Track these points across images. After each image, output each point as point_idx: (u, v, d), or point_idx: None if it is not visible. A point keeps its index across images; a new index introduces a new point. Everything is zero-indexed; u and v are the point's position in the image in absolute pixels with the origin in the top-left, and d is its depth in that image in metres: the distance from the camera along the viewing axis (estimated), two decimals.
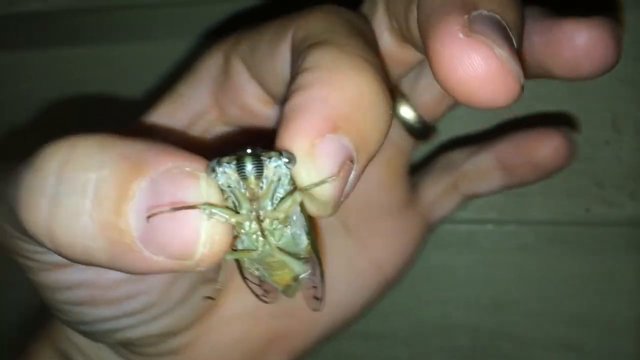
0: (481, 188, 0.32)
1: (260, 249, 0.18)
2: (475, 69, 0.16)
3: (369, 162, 0.18)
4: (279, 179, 0.17)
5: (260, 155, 0.16)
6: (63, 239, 0.16)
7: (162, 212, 0.15)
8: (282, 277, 0.19)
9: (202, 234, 0.16)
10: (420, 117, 0.29)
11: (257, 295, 0.23)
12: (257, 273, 0.20)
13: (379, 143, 0.18)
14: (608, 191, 0.36)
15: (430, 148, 0.37)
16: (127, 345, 0.25)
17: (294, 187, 0.17)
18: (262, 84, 0.24)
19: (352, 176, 0.17)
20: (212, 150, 0.18)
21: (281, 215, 0.17)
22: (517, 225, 0.36)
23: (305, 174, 0.16)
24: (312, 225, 0.19)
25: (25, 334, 0.29)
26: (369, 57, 0.18)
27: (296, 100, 0.17)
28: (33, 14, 0.38)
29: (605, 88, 0.35)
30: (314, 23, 0.20)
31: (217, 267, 0.18)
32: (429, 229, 0.32)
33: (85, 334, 0.25)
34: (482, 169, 0.31)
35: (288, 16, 0.22)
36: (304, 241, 0.19)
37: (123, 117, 0.26)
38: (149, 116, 0.26)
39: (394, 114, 0.19)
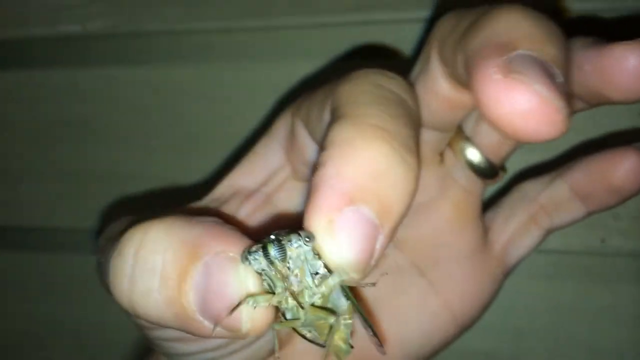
0: (563, 220, 0.31)
1: (302, 318, 0.19)
2: (516, 106, 0.17)
3: (398, 226, 0.18)
4: (305, 258, 0.18)
5: (281, 240, 0.18)
6: (141, 311, 0.19)
7: (227, 315, 0.18)
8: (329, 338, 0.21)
9: (243, 317, 0.18)
10: (486, 158, 0.29)
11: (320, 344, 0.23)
12: (309, 335, 0.21)
13: (404, 206, 0.18)
14: (624, 223, 0.37)
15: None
16: None
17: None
18: (318, 145, 0.25)
19: (379, 243, 0.18)
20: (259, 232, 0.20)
21: (322, 291, 0.19)
22: (535, 254, 0.37)
23: (327, 251, 0.18)
24: (349, 287, 0.20)
25: None
26: (387, 124, 0.19)
27: (313, 179, 0.18)
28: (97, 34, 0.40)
29: (627, 121, 0.36)
30: (341, 92, 0.21)
31: (274, 334, 0.21)
32: (506, 271, 0.32)
33: None
34: (560, 200, 0.30)
35: (337, 79, 0.23)
36: (343, 304, 0.20)
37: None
38: (230, 174, 0.28)
39: (418, 173, 0.19)
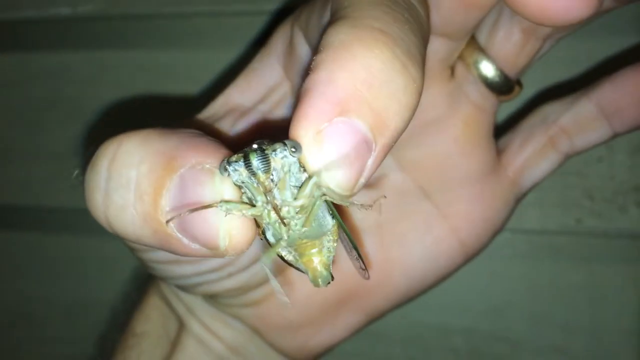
0: (586, 141, 0.28)
1: (285, 236, 0.18)
2: None
3: (393, 143, 0.17)
4: (289, 169, 0.17)
5: (265, 149, 0.16)
6: (117, 227, 0.18)
7: (184, 212, 0.17)
8: (310, 260, 0.19)
9: (220, 230, 0.17)
10: (501, 71, 0.27)
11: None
12: (289, 258, 0.20)
13: (402, 121, 0.16)
14: (598, 204, 0.38)
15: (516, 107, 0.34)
16: (211, 297, 0.28)
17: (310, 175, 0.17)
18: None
19: (370, 160, 0.16)
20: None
21: (299, 204, 0.17)
22: (512, 234, 0.38)
23: (312, 162, 0.16)
24: (336, 207, 0.19)
25: None
26: (390, 28, 0.17)
27: (304, 85, 0.16)
28: (88, 16, 0.40)
29: None
30: None
31: (272, 272, 0.19)
32: (518, 196, 0.30)
33: (176, 286, 0.27)
34: (585, 120, 0.28)
35: None
36: (329, 222, 0.19)
37: (176, 117, 0.27)
38: (226, 91, 0.27)
39: (420, 86, 0.17)
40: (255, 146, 0.17)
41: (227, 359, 0.29)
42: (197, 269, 0.25)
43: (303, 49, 0.24)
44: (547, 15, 0.17)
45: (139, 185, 0.17)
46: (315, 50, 0.17)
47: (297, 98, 0.16)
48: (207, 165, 0.17)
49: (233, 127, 0.26)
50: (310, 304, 0.28)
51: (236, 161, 0.17)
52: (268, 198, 0.17)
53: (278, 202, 0.17)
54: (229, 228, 0.17)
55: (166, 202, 0.17)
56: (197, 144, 0.17)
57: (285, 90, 0.27)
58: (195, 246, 0.17)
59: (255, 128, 0.26)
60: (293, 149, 0.16)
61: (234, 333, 0.29)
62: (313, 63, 0.16)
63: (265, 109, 0.27)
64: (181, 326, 0.29)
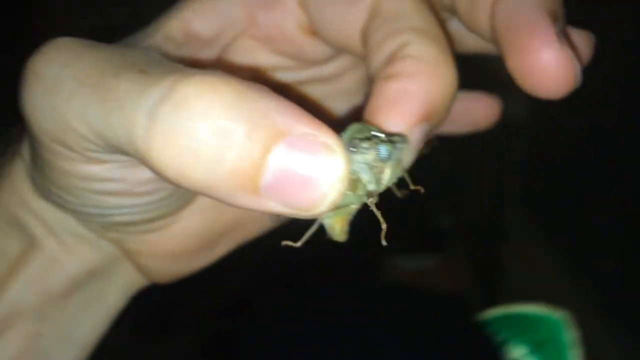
0: None
1: (356, 206, 0.20)
2: (565, 73, 0.20)
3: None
4: (398, 159, 0.20)
5: (394, 142, 0.19)
6: (193, 176, 0.17)
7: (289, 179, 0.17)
8: (343, 219, 0.21)
9: (327, 200, 0.17)
10: None
11: None
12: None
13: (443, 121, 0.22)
14: None
15: None
16: (113, 225, 0.26)
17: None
18: (317, 22, 0.24)
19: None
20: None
21: (388, 184, 0.20)
22: None
23: (411, 156, 0.21)
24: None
25: None
26: (448, 47, 0.22)
27: (404, 85, 0.21)
28: None
29: None
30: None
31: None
32: None
33: (80, 213, 0.25)
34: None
35: None
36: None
37: None
38: (180, 12, 0.25)
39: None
40: (383, 136, 0.19)
41: (80, 280, 0.28)
42: (135, 202, 0.24)
43: (291, 1, 0.25)
44: (539, 90, 0.21)
45: (244, 144, 0.17)
46: (389, 50, 0.22)
47: (390, 91, 0.21)
48: (322, 139, 0.17)
49: (196, 56, 0.26)
50: (195, 235, 0.28)
51: (366, 148, 0.19)
52: (376, 184, 0.19)
53: (380, 187, 0.20)
54: (334, 200, 0.17)
55: (268, 165, 0.17)
56: (304, 115, 0.18)
57: (239, 29, 0.26)
58: (273, 204, 0.17)
59: (217, 64, 0.27)
60: (404, 144, 0.20)
61: (98, 255, 0.28)
62: (408, 67, 0.21)
63: (223, 43, 0.26)
64: (29, 247, 0.27)
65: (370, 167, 0.19)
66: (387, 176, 0.19)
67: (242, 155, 0.17)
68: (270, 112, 0.17)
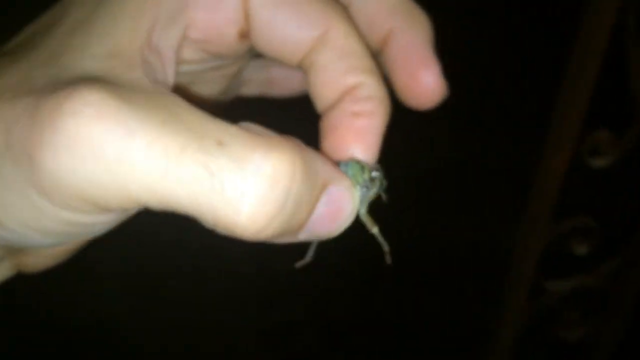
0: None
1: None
2: (439, 89, 0.26)
3: None
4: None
5: (382, 177, 0.25)
6: (265, 233, 0.20)
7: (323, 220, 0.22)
8: None
9: (348, 222, 0.23)
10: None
11: None
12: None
13: None
14: None
15: None
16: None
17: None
18: (261, 33, 0.25)
19: None
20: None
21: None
22: None
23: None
24: None
25: None
26: None
27: (370, 122, 0.25)
28: None
29: None
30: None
31: None
32: None
33: None
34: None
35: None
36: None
37: None
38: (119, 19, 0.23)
39: None
40: (377, 174, 0.24)
41: None
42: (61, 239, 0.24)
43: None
44: (424, 101, 0.26)
45: (302, 200, 0.21)
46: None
47: (366, 133, 0.25)
48: (347, 184, 0.23)
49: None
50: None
51: (368, 188, 0.24)
52: (368, 202, 0.25)
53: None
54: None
55: (312, 213, 0.22)
56: (334, 168, 0.23)
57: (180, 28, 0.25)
58: (302, 236, 0.22)
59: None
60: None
61: None
62: (368, 107, 0.25)
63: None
64: None
65: (368, 195, 0.25)
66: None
67: (300, 208, 0.21)
68: (319, 170, 0.22)
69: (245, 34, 0.25)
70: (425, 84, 0.26)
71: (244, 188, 0.19)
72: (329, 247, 0.27)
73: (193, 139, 0.19)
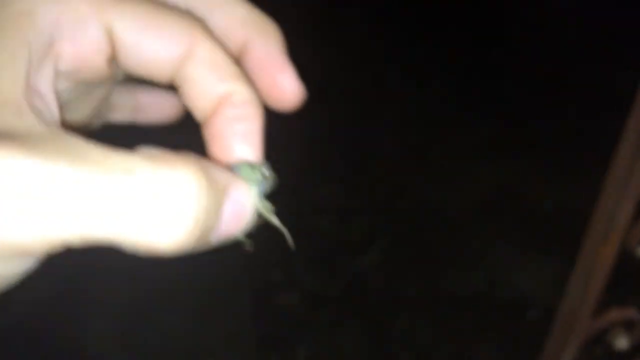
0: None
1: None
2: (297, 90, 0.28)
3: None
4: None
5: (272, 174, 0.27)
6: (181, 245, 0.21)
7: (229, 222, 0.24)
8: None
9: (249, 220, 0.25)
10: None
11: None
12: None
13: None
14: None
15: None
16: None
17: None
18: (127, 55, 0.26)
19: None
20: None
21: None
22: None
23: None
24: None
25: None
26: None
27: (251, 126, 0.27)
28: None
29: None
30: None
31: None
32: None
33: None
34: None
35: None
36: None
37: None
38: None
39: None
40: (268, 174, 0.26)
41: None
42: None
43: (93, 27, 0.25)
44: (284, 103, 0.28)
45: (210, 208, 0.22)
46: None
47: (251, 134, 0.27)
48: (245, 187, 0.25)
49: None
50: None
51: (262, 184, 0.26)
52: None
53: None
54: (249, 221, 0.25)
55: (221, 216, 0.23)
56: (229, 173, 0.24)
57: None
58: (215, 240, 0.23)
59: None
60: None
61: None
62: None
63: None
64: None
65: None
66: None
67: (216, 217, 0.22)
68: (218, 178, 0.23)
69: (112, 59, 0.26)
70: (285, 88, 0.28)
71: (159, 211, 0.20)
72: None
73: (103, 173, 0.20)
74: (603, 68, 1.97)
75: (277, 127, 0.30)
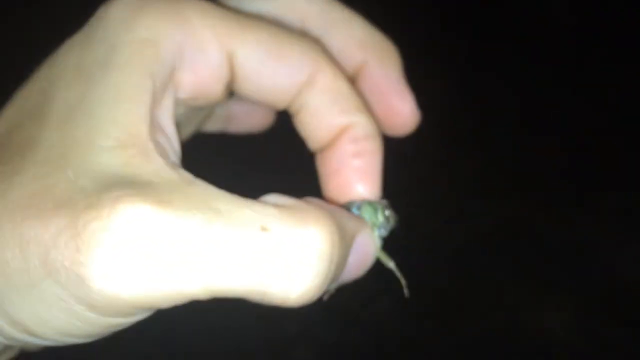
0: None
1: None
2: (414, 117, 0.28)
3: None
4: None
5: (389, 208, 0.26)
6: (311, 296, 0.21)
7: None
8: None
9: (371, 262, 0.25)
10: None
11: None
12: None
13: None
14: None
15: None
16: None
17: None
18: (248, 82, 0.25)
19: None
20: None
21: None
22: None
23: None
24: None
25: None
26: None
27: (371, 161, 0.26)
28: None
29: None
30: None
31: None
32: None
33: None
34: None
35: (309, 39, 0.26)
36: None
37: None
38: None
39: None
40: (388, 214, 0.25)
41: None
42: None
43: (213, 54, 0.24)
44: (398, 130, 0.28)
45: (341, 261, 0.21)
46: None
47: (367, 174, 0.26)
48: (367, 235, 0.24)
49: None
50: None
51: (385, 228, 0.25)
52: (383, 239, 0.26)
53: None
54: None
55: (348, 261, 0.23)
56: (356, 218, 0.24)
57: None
58: (334, 286, 0.24)
59: None
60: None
61: None
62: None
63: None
64: None
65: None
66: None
67: (343, 267, 0.22)
68: (347, 226, 0.22)
69: (230, 84, 0.25)
70: (402, 114, 0.27)
71: (293, 267, 0.20)
72: None
73: (240, 229, 0.19)
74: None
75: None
